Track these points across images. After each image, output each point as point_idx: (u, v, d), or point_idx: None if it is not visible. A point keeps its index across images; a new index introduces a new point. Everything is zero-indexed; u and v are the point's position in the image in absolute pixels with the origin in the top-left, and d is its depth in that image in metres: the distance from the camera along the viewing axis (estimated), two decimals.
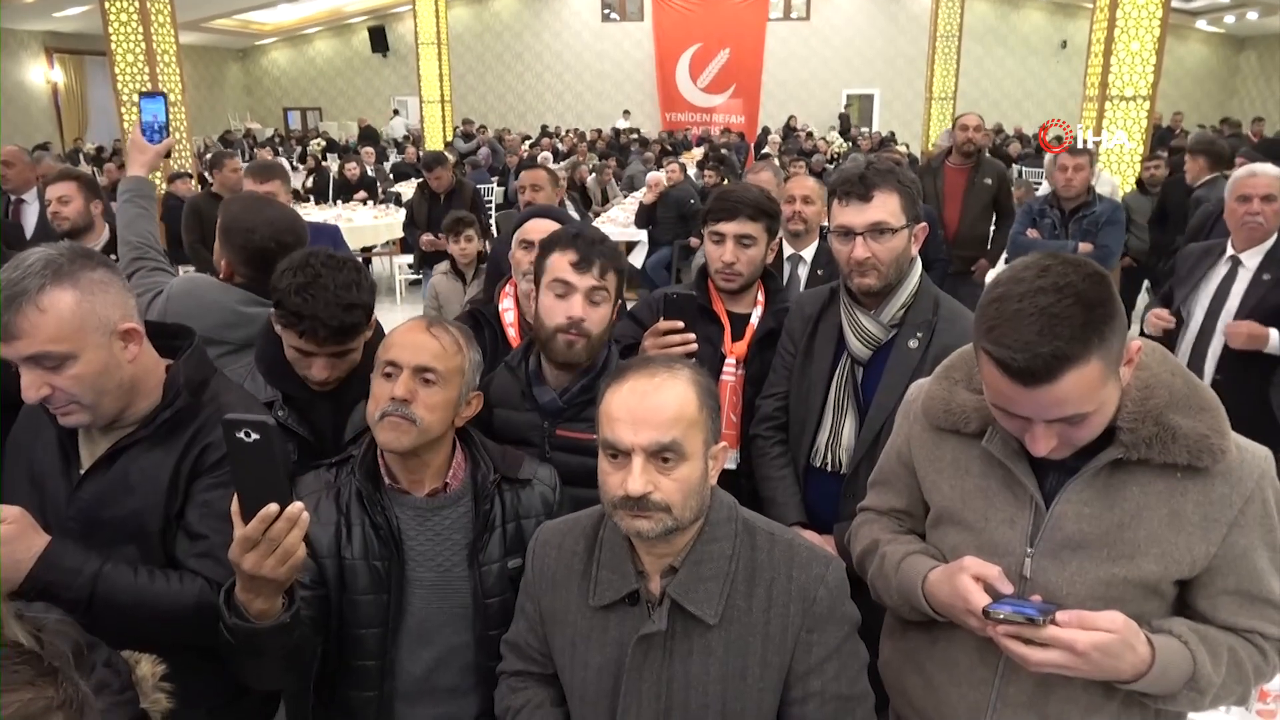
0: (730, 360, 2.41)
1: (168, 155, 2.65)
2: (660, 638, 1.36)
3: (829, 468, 2.15)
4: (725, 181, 7.65)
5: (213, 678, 1.59)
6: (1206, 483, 1.26)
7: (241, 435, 1.21)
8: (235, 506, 1.27)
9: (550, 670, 1.51)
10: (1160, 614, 1.31)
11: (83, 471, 1.53)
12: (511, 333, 2.59)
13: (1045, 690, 1.34)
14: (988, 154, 5.91)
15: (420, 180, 7.44)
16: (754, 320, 2.46)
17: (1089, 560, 1.29)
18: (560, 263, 1.88)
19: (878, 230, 1.96)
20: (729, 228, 2.37)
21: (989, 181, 5.43)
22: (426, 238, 6.31)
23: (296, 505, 1.28)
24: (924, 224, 2.06)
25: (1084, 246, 4.63)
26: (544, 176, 4.15)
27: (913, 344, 2.02)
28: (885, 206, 1.96)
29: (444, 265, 4.71)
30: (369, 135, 18.54)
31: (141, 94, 2.73)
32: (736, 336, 2.44)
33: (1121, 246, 4.79)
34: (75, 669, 1.04)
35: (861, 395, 2.09)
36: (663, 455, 1.29)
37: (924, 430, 1.48)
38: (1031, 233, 4.84)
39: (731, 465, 2.38)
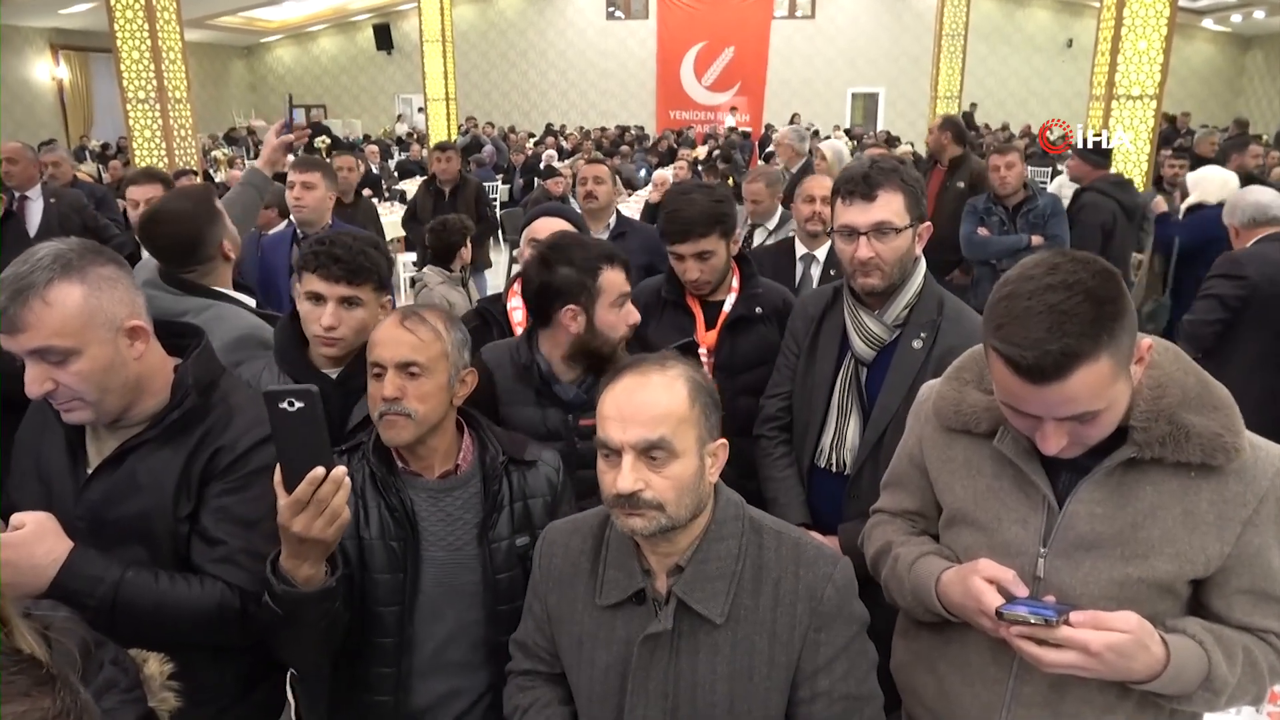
0: (701, 350, 2.42)
1: (291, 150, 2.69)
2: (666, 637, 1.35)
3: (833, 468, 2.14)
4: (730, 180, 7.63)
5: (220, 676, 1.60)
6: (1220, 481, 1.25)
7: (285, 405, 1.27)
8: (278, 475, 1.33)
9: (558, 669, 1.51)
10: (1174, 614, 1.30)
11: (90, 471, 1.53)
12: (519, 331, 2.58)
13: (1059, 691, 1.33)
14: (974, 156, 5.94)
15: (424, 178, 7.38)
16: (726, 307, 2.48)
17: (1102, 560, 1.28)
18: (619, 279, 2.01)
19: (881, 230, 1.94)
20: (684, 249, 2.39)
21: (961, 185, 5.45)
22: None
23: (340, 469, 1.35)
24: (928, 224, 2.05)
25: (1035, 239, 4.68)
26: (605, 171, 4.17)
27: (917, 344, 2.00)
28: (889, 206, 1.94)
29: (438, 275, 4.31)
30: (320, 134, 16.70)
31: (290, 94, 2.86)
32: (711, 324, 2.46)
33: (1068, 235, 4.85)
34: (83, 667, 1.03)
35: (865, 396, 2.08)
36: (652, 453, 1.28)
37: (935, 431, 1.47)
38: (982, 231, 4.88)
39: None
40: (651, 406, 1.29)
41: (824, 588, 1.35)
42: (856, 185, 1.96)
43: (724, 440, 1.39)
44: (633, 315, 2.02)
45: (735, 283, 2.52)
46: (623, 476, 1.28)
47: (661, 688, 1.36)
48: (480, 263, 6.26)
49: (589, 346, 1.98)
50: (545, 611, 1.49)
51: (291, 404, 1.27)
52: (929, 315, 2.02)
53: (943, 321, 2.01)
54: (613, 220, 4.02)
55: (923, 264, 2.07)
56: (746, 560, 1.37)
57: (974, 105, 20.31)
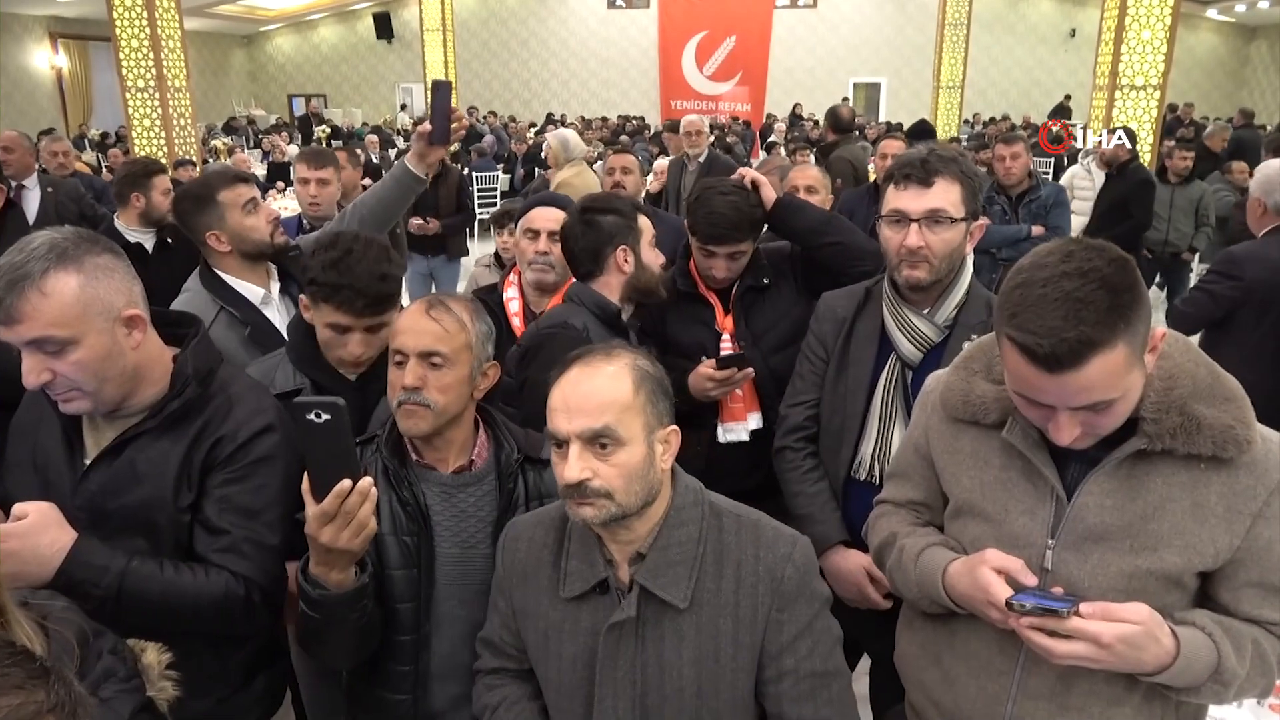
0: (725, 336, 2.39)
1: (442, 141, 2.37)
2: (631, 624, 1.35)
3: (875, 480, 1.96)
4: None
5: (221, 665, 1.60)
6: (1231, 474, 1.24)
7: (312, 416, 1.28)
8: (305, 485, 1.36)
9: (526, 665, 1.50)
10: (1182, 606, 1.29)
11: (88, 461, 1.51)
12: (516, 322, 2.57)
13: (1066, 682, 1.32)
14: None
15: None
16: (734, 287, 2.45)
17: (1111, 552, 1.27)
18: (647, 221, 2.26)
19: (935, 218, 1.82)
20: (719, 249, 2.34)
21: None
22: (416, 221, 6.04)
23: (367, 480, 1.38)
24: (982, 222, 1.92)
25: (1036, 230, 4.69)
26: (633, 161, 4.26)
27: (968, 346, 1.88)
28: (946, 195, 1.82)
29: (486, 258, 4.42)
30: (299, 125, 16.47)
31: (446, 81, 2.41)
32: (729, 307, 2.43)
33: (1070, 226, 4.87)
34: (80, 657, 1.02)
35: (912, 401, 1.90)
36: (599, 441, 1.28)
37: (942, 422, 1.46)
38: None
39: (756, 425, 2.35)
40: (595, 395, 1.29)
41: (784, 568, 1.36)
42: (914, 169, 1.84)
43: (675, 427, 1.38)
44: (660, 255, 2.25)
45: None
46: (569, 466, 1.28)
47: (629, 675, 1.36)
48: (457, 251, 6.28)
49: (640, 283, 2.20)
50: (510, 607, 1.48)
51: (319, 415, 1.29)
52: (979, 315, 1.90)
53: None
54: None
55: (970, 263, 1.96)
56: (707, 544, 1.37)
57: (1068, 96, 19.78)
